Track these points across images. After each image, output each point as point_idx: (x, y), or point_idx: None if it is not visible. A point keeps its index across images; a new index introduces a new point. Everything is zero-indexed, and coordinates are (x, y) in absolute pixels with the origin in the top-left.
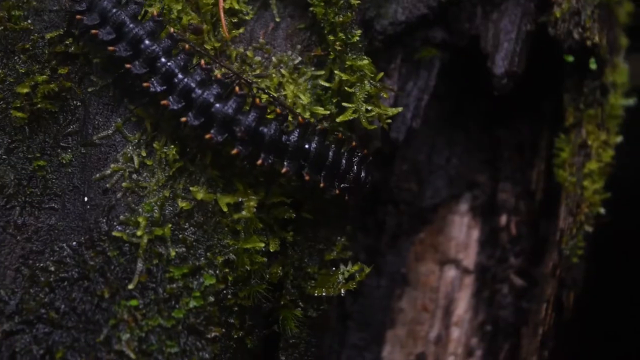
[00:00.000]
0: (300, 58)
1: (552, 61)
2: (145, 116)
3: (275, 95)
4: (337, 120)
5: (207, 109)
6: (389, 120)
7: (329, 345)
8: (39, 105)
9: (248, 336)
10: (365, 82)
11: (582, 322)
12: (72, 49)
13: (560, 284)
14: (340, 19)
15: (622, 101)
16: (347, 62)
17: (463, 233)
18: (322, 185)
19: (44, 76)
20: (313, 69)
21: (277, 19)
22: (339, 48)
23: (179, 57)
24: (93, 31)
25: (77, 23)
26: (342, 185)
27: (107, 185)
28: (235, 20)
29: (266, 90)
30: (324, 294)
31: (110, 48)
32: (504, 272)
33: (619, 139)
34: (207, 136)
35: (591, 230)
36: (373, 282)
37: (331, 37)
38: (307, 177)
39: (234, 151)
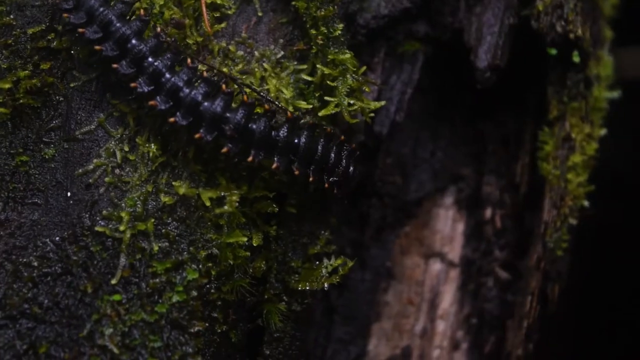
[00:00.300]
0: (282, 52)
1: (536, 54)
2: (128, 111)
3: (260, 90)
4: (320, 114)
5: (196, 108)
6: (372, 114)
7: (315, 339)
8: (21, 101)
9: (232, 330)
10: (348, 75)
11: (566, 315)
12: (55, 44)
13: (545, 277)
14: (322, 13)
15: (606, 94)
16: (329, 56)
17: (448, 226)
18: (311, 179)
19: (27, 71)
20: (295, 63)
21: (260, 14)
22: (321, 42)
23: (166, 57)
24: (80, 30)
25: (63, 20)
26: (331, 179)
27: (90, 181)
28: (217, 15)
29: (253, 87)
30: (307, 288)
31: (97, 47)
32: (489, 265)
33: (603, 131)
34: (197, 136)
35: (575, 223)
36: (358, 276)
37: (313, 31)
38: (296, 172)
39: (224, 149)
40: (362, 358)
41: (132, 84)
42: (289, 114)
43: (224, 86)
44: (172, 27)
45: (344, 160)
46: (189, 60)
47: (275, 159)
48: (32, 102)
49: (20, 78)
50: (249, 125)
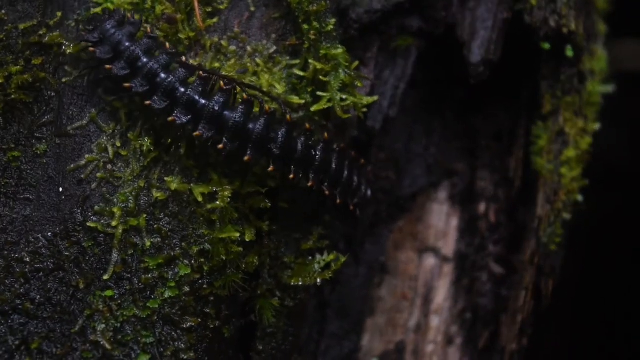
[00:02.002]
0: (275, 47)
1: (529, 49)
2: (120, 107)
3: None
4: (312, 109)
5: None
6: (365, 109)
7: (308, 334)
8: (13, 96)
9: (225, 326)
10: (340, 70)
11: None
12: (46, 39)
13: (539, 272)
14: (314, 8)
15: (600, 88)
16: (322, 51)
17: (442, 221)
18: (327, 193)
19: (18, 67)
20: (288, 58)
21: (252, 8)
22: (313, 37)
23: (161, 57)
24: (107, 66)
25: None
26: (354, 201)
27: (82, 176)
28: (209, 10)
29: (252, 84)
30: (300, 283)
31: (108, 67)
32: (483, 259)
33: (597, 126)
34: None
35: (569, 217)
36: (352, 271)
37: (305, 26)
38: (311, 183)
39: (247, 157)
40: (355, 353)
41: (126, 84)
42: (288, 117)
43: (222, 83)
44: (164, 22)
45: (357, 178)
46: (183, 58)
47: (293, 169)
48: (24, 98)
49: (12, 73)
50: (269, 134)
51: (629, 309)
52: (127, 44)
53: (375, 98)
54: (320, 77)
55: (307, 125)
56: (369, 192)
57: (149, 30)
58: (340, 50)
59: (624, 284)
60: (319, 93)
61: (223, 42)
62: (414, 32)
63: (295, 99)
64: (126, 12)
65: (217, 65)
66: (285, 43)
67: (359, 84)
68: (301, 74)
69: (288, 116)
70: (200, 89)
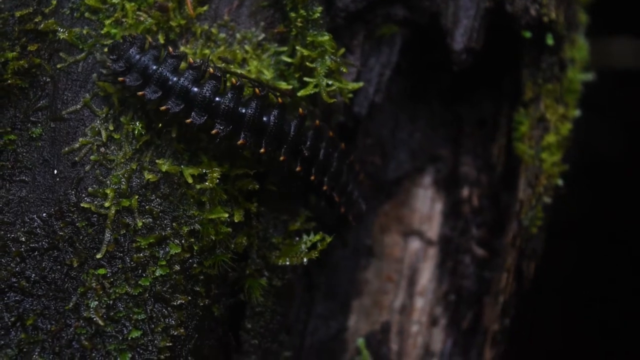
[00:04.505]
0: (263, 35)
1: (512, 37)
2: (112, 92)
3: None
4: (299, 94)
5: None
6: (351, 95)
7: (296, 314)
8: (9, 81)
9: (214, 304)
10: (326, 57)
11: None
12: (42, 26)
13: (520, 254)
14: None
15: (580, 76)
16: (309, 38)
17: (427, 205)
18: (325, 187)
19: (14, 53)
20: (276, 45)
21: None
22: (300, 25)
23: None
24: (140, 93)
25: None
26: (351, 213)
27: (76, 159)
28: None
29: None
30: (287, 263)
31: (140, 93)
32: (466, 243)
33: (577, 112)
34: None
35: (550, 201)
36: (339, 254)
37: (293, 14)
38: (313, 178)
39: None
40: (342, 333)
41: (163, 107)
42: (317, 122)
43: (211, 69)
44: (156, 10)
45: (356, 193)
46: (170, 49)
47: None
48: (19, 83)
49: (8, 59)
50: (283, 127)
51: (620, 298)
52: (153, 67)
53: (361, 84)
54: (307, 63)
55: (300, 110)
56: (364, 206)
57: (170, 50)
58: (326, 38)
59: (615, 273)
60: (305, 79)
61: (213, 30)
62: (399, 21)
63: (283, 85)
64: (146, 36)
65: (207, 52)
66: (273, 30)
67: (344, 70)
68: (289, 60)
69: (279, 99)
70: (236, 98)
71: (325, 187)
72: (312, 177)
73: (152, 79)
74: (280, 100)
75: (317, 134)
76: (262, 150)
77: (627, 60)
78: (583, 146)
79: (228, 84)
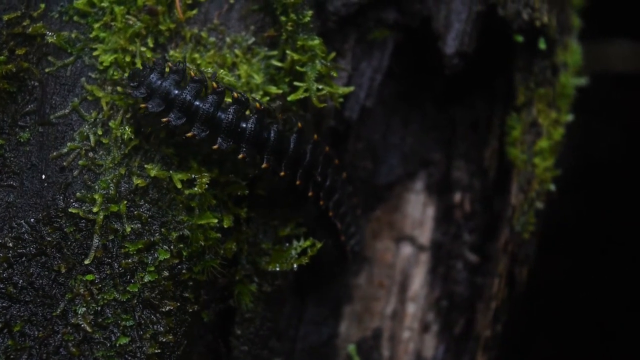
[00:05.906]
0: (253, 39)
1: (504, 41)
2: (101, 96)
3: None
4: (289, 98)
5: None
6: (342, 99)
7: (287, 320)
8: None
9: (203, 310)
10: (317, 61)
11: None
12: (30, 30)
13: (513, 260)
14: (292, 0)
15: (573, 80)
16: (299, 42)
17: (418, 210)
18: (283, 174)
19: (2, 57)
20: (266, 49)
21: (231, 1)
22: (290, 29)
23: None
24: (164, 120)
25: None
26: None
27: (64, 164)
28: (189, 2)
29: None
30: (277, 268)
31: (165, 120)
32: (458, 248)
33: (570, 117)
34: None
35: (542, 206)
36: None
37: (283, 18)
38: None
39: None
40: (333, 339)
41: (189, 134)
42: (315, 136)
43: (192, 73)
44: (145, 13)
45: (354, 229)
46: (192, 73)
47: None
48: (7, 87)
49: None
50: (300, 150)
51: (614, 304)
52: (175, 92)
53: (352, 88)
54: (298, 67)
55: (315, 136)
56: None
57: (192, 74)
58: (316, 42)
59: (610, 278)
60: (296, 83)
61: (203, 34)
62: (391, 25)
63: (274, 89)
64: (165, 61)
65: (196, 56)
66: (263, 35)
67: (334, 74)
68: (279, 64)
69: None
70: (259, 123)
71: (330, 213)
72: (321, 202)
73: (175, 104)
74: (300, 125)
75: (327, 160)
76: (282, 173)
77: (624, 63)
78: (579, 149)
79: (250, 108)
